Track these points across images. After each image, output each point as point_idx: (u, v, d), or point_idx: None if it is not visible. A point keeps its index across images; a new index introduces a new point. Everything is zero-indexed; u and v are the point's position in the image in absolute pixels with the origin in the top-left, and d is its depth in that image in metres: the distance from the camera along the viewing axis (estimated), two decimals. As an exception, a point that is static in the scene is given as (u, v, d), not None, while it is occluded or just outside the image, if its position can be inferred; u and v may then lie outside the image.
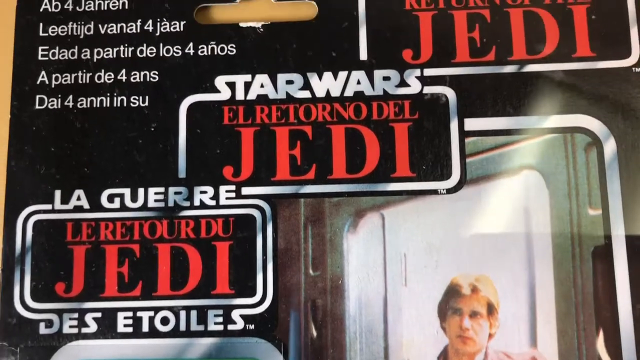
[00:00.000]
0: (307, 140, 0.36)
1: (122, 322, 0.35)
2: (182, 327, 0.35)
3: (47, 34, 0.38)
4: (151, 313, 0.35)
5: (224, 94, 0.37)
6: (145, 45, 0.38)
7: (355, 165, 0.36)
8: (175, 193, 0.36)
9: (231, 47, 0.37)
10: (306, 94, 0.37)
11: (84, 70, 0.37)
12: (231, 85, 0.37)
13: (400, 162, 0.36)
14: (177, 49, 0.37)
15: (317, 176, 0.36)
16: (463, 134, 0.36)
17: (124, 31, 0.38)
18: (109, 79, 0.37)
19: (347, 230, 0.35)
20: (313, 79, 0.37)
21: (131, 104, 0.37)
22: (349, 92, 0.37)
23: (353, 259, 0.35)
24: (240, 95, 0.37)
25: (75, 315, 0.35)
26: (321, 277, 0.35)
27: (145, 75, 0.37)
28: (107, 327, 0.35)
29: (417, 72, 0.37)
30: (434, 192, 0.36)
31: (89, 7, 0.38)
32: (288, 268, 0.35)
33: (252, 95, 0.37)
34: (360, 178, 0.36)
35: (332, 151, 0.36)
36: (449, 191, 0.36)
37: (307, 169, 0.36)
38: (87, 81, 0.37)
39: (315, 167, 0.36)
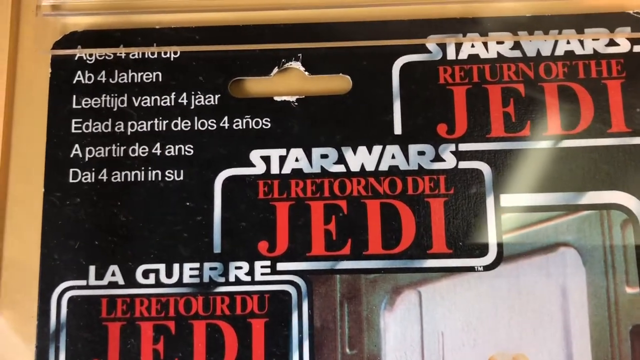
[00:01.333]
0: (342, 214, 0.36)
1: (157, 403, 0.35)
2: (219, 407, 0.35)
3: (80, 106, 0.38)
4: (186, 394, 0.35)
5: (259, 168, 0.37)
6: (179, 118, 0.38)
7: (391, 240, 0.36)
8: (211, 269, 0.36)
9: (266, 121, 0.37)
10: (341, 168, 0.37)
11: (118, 144, 0.37)
12: (266, 159, 0.37)
13: (437, 238, 0.36)
14: (212, 122, 0.37)
15: (352, 252, 0.36)
16: (499, 210, 0.36)
17: (158, 104, 0.38)
18: (143, 153, 0.37)
19: (384, 307, 0.35)
20: (347, 153, 0.37)
21: (166, 178, 0.37)
22: (383, 167, 0.37)
23: (390, 337, 0.35)
24: (275, 170, 0.37)
25: (112, 391, 0.35)
26: (358, 355, 0.35)
27: (180, 148, 0.37)
28: (142, 407, 0.35)
29: (452, 146, 0.37)
30: (471, 269, 0.36)
31: (122, 80, 0.38)
32: (324, 346, 0.35)
33: (287, 170, 0.37)
34: (397, 254, 0.36)
35: (368, 226, 0.36)
36: (486, 268, 0.35)
37: (343, 244, 0.36)
38: (121, 154, 0.37)
39: (350, 242, 0.36)
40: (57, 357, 0.35)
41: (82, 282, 0.36)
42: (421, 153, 0.37)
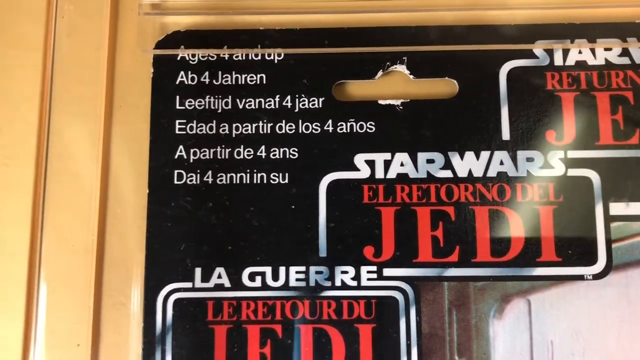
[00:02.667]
0: (450, 221, 0.36)
1: (265, 405, 0.35)
2: (326, 411, 0.35)
3: (184, 107, 0.38)
4: (294, 396, 0.35)
5: (364, 172, 0.37)
6: (284, 121, 0.37)
7: (500, 248, 0.36)
8: (317, 272, 0.36)
9: (370, 124, 0.37)
10: (447, 174, 0.37)
11: (223, 146, 0.37)
12: (371, 164, 0.37)
13: (546, 246, 0.36)
14: (316, 125, 0.37)
15: (460, 259, 0.36)
16: (608, 218, 0.36)
17: (263, 106, 0.38)
18: (248, 155, 0.37)
19: (493, 315, 0.35)
20: (454, 158, 0.37)
21: (271, 181, 0.37)
22: (491, 173, 0.36)
23: (499, 345, 0.35)
24: (380, 174, 0.37)
25: (217, 396, 0.35)
26: (467, 364, 0.35)
27: (284, 151, 0.37)
28: (249, 409, 0.35)
29: (561, 153, 0.36)
30: (580, 277, 0.35)
31: (225, 81, 0.38)
32: (433, 353, 0.35)
33: (392, 174, 0.37)
34: (505, 262, 0.35)
35: (476, 233, 0.36)
36: (595, 277, 0.35)
37: (451, 251, 0.36)
38: (227, 157, 0.37)
39: (458, 249, 0.36)
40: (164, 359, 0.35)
41: (188, 285, 0.36)
42: (530, 160, 0.36)
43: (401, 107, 0.37)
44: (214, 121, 0.38)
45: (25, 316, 0.36)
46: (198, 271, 0.36)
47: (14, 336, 0.36)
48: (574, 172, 0.36)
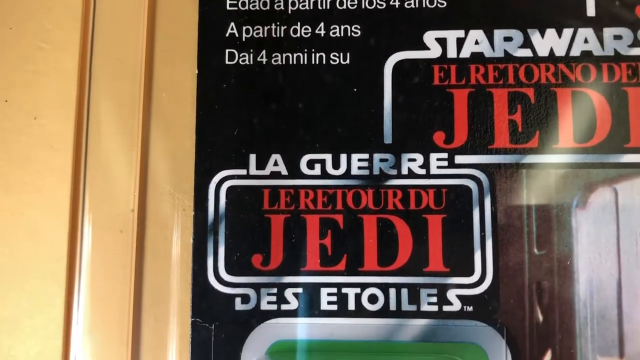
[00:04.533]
0: (529, 104, 0.33)
1: (326, 299, 0.32)
2: (392, 306, 0.32)
3: (235, -18, 0.35)
4: (357, 290, 0.32)
5: (434, 52, 0.33)
6: (345, -5, 0.34)
7: (584, 133, 0.33)
8: (381, 160, 0.33)
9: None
10: (527, 53, 0.33)
11: (278, 23, 0.34)
12: (442, 42, 0.33)
13: (635, 130, 0.32)
14: (381, 1, 0.34)
15: (541, 144, 0.33)
16: None
17: (322, -20, 0.34)
18: (305, 33, 0.34)
19: (576, 205, 0.32)
20: (534, 35, 0.33)
21: (331, 62, 0.34)
22: (575, 52, 0.33)
23: (583, 237, 0.32)
24: (452, 53, 0.33)
25: (274, 290, 0.32)
26: (547, 256, 0.32)
27: (346, 29, 0.34)
28: (309, 304, 0.32)
29: (654, 30, 0.33)
30: (673, 165, 0.32)
31: (281, -47, 0.35)
32: (510, 246, 0.32)
33: (465, 53, 0.33)
34: (590, 148, 0.32)
35: (558, 117, 0.33)
36: (690, 165, 0.32)
37: (530, 137, 0.33)
38: (282, 35, 0.34)
39: (538, 134, 0.33)
40: (216, 250, 0.33)
41: (242, 172, 0.33)
42: (617, 37, 0.33)
43: (475, -19, 0.34)
44: (269, -4, 0.34)
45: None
46: (253, 157, 0.33)
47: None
48: (668, 50, 0.33)
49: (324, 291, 0.32)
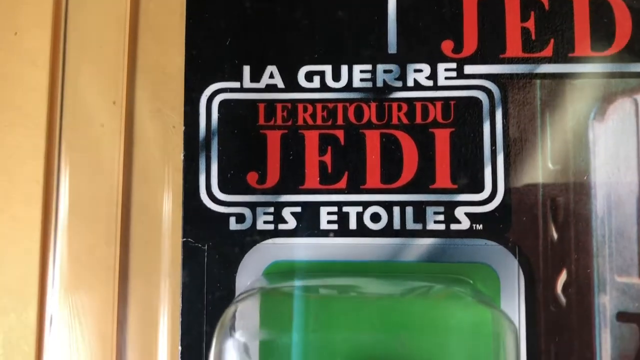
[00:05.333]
0: (543, 9, 0.31)
1: (326, 219, 0.30)
2: (396, 225, 0.30)
3: None
4: (359, 208, 0.30)
5: (441, -45, 0.31)
6: None
7: (603, 41, 0.30)
8: (385, 71, 0.31)
9: None
10: (541, -44, 0.31)
11: None
12: (450, -55, 0.31)
13: (658, 38, 0.30)
14: None
15: (555, 54, 0.30)
16: None
17: None
18: None
19: (594, 117, 0.30)
20: (549, -63, 0.31)
21: (331, -35, 0.31)
22: (593, -46, 0.31)
23: (600, 151, 0.30)
24: (460, -43, 0.31)
25: (271, 209, 0.31)
26: (562, 171, 0.30)
27: None
28: (308, 224, 0.30)
29: None
30: (698, 74, 0.30)
31: None
32: (522, 160, 0.30)
33: (475, -43, 0.31)
34: (609, 56, 0.30)
35: (574, 24, 0.30)
36: None
37: (545, 44, 0.30)
38: (278, -63, 0.32)
39: (552, 42, 0.30)
40: (209, 167, 0.31)
41: (236, 84, 0.31)
42: (640, -62, 0.31)
43: None
44: None
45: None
46: (246, 69, 0.31)
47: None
48: (693, -49, 0.31)
49: (323, 210, 0.30)
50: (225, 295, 0.30)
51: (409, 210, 0.30)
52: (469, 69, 0.30)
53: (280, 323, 0.26)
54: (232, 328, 0.26)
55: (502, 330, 0.25)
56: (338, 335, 0.25)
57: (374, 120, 0.31)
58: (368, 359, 0.25)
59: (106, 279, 0.31)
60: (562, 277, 0.29)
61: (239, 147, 0.31)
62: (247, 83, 0.31)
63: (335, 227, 0.30)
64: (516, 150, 0.30)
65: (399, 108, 0.31)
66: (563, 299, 0.29)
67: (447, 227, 0.30)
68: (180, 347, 0.29)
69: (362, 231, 0.30)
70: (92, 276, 0.31)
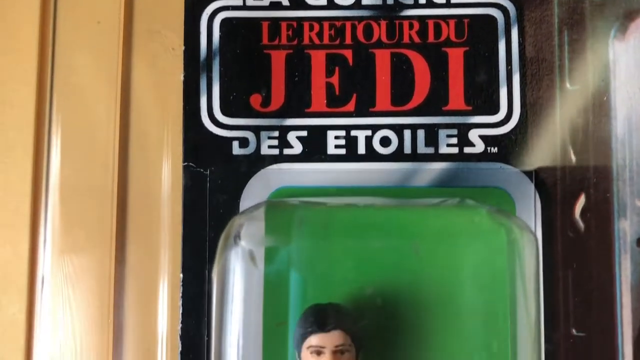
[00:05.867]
0: None
1: (333, 143, 0.29)
2: (407, 149, 0.29)
3: None
4: (368, 132, 0.29)
5: None
6: None
7: (624, -44, 0.29)
8: (395, -12, 0.29)
9: None
10: None
11: None
12: None
13: (682, -47, 0.29)
14: None
15: (574, -31, 0.29)
16: None
17: None
18: None
19: (614, 36, 0.29)
20: None
21: None
22: None
23: (621, 71, 0.28)
24: None
25: (276, 133, 0.29)
26: (581, 92, 0.28)
27: None
28: (314, 148, 0.29)
29: None
30: None
31: None
32: (539, 81, 0.29)
33: None
34: (631, -29, 0.29)
35: (594, -62, 0.29)
36: None
37: (562, -40, 0.29)
38: None
39: (570, -43, 0.29)
40: (210, 89, 0.29)
41: (238, 2, 0.29)
42: None
43: None
44: None
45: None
46: (250, -15, 0.30)
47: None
48: None
49: (330, 134, 0.29)
50: (228, 222, 0.29)
51: (421, 133, 0.29)
52: (484, -14, 0.29)
53: (288, 231, 0.25)
54: (238, 237, 0.25)
55: (518, 239, 0.24)
56: (348, 241, 0.24)
57: (384, 39, 0.29)
58: (379, 266, 0.24)
59: (104, 182, 0.29)
60: (581, 202, 0.28)
61: (242, 68, 0.29)
62: (249, 0, 0.29)
63: (343, 151, 0.29)
64: (533, 71, 0.29)
65: (411, 26, 0.29)
66: (581, 224, 0.28)
67: (461, 150, 0.29)
68: (181, 275, 0.28)
69: (372, 156, 0.29)
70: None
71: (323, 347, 0.25)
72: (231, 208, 0.29)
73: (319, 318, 0.25)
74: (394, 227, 0.25)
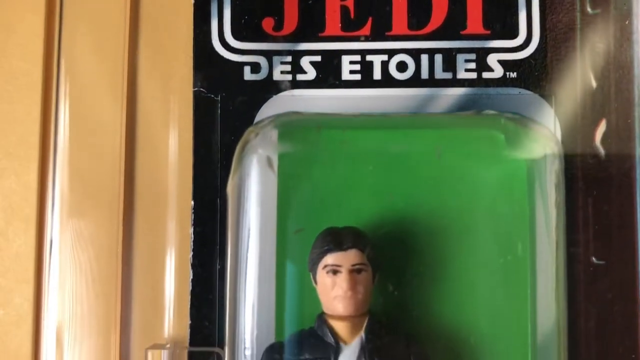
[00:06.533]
0: None
1: (348, 68, 0.28)
2: (424, 74, 0.28)
3: None
4: (384, 57, 0.28)
5: None
6: None
7: None
8: None
9: None
10: None
11: None
12: None
13: None
14: None
15: None
16: None
17: None
18: None
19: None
20: None
21: None
22: None
23: (643, -5, 0.28)
24: None
25: (289, 58, 0.28)
26: (602, 16, 0.28)
27: None
28: (328, 74, 0.28)
29: None
30: None
31: None
32: (560, 4, 0.28)
33: None
34: None
35: None
36: None
37: None
38: None
39: None
40: (221, 13, 0.28)
41: None
42: None
43: None
44: None
45: None
46: None
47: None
48: None
49: (345, 59, 0.28)
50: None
51: (438, 58, 0.28)
52: None
53: (304, 138, 0.24)
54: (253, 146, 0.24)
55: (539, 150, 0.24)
56: (368, 142, 0.23)
57: (400, -39, 0.28)
58: (399, 171, 0.23)
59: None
60: (601, 128, 0.27)
61: (254, -11, 0.28)
62: None
63: (358, 77, 0.28)
64: (552, -4, 0.28)
65: (429, -52, 0.29)
66: (602, 151, 0.27)
67: (479, 75, 0.28)
68: (192, 202, 0.27)
69: (388, 81, 0.28)
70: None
71: (340, 266, 0.24)
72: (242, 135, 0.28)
73: (336, 237, 0.24)
74: (415, 133, 0.25)
